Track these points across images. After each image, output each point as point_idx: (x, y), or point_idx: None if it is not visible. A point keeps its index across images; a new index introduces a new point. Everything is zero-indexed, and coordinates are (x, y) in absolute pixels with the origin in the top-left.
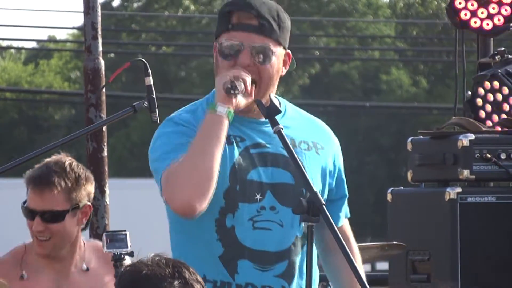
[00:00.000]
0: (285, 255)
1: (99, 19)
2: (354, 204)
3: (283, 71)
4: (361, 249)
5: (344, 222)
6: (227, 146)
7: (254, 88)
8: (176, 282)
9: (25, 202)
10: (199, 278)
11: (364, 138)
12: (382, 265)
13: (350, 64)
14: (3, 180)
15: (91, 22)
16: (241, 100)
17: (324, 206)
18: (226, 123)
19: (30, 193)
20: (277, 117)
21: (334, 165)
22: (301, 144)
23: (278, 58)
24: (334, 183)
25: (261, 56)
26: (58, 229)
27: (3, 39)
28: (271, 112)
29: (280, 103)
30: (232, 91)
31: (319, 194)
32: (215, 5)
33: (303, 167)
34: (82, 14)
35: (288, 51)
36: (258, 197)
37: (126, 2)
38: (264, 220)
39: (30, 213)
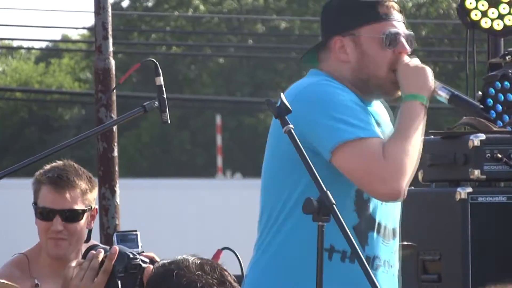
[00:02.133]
0: (396, 233)
1: (110, 19)
2: None
3: None
4: None
5: None
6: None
7: None
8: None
9: (35, 203)
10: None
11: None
12: None
13: None
14: (14, 180)
15: (101, 22)
16: None
17: (334, 206)
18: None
19: (47, 193)
20: None
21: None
22: None
23: None
24: None
25: (411, 45)
26: (76, 229)
27: (13, 39)
28: (282, 111)
29: None
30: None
31: (329, 194)
32: (225, 5)
33: (312, 166)
34: (93, 14)
35: None
36: None
37: (136, 3)
38: None
39: (48, 213)
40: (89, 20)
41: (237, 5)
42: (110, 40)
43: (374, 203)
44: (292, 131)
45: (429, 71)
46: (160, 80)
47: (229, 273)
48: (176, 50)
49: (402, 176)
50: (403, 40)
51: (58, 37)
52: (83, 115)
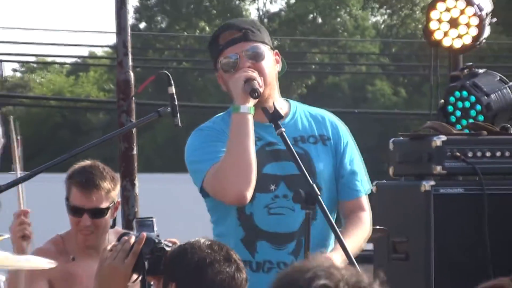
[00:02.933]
0: (295, 236)
1: (129, 38)
2: None
3: (279, 68)
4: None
5: (359, 196)
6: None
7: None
8: (233, 266)
9: (67, 199)
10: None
11: (353, 139)
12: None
13: (341, 76)
14: (49, 175)
15: (122, 41)
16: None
17: (319, 197)
18: (251, 118)
19: (77, 194)
20: (288, 117)
21: (341, 148)
22: (310, 138)
23: (269, 56)
24: (342, 161)
25: (255, 56)
26: (101, 223)
27: (48, 56)
28: (275, 117)
29: (291, 105)
30: (250, 89)
31: (315, 186)
32: None
33: (301, 163)
34: (115, 34)
35: (276, 50)
36: (273, 187)
37: (151, 24)
38: (278, 207)
39: (78, 211)
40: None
41: None
42: (130, 57)
43: (257, 215)
44: (284, 134)
45: (240, 79)
46: (172, 89)
47: (234, 252)
48: (186, 65)
49: (231, 184)
50: (239, 60)
51: (86, 54)
52: (107, 120)
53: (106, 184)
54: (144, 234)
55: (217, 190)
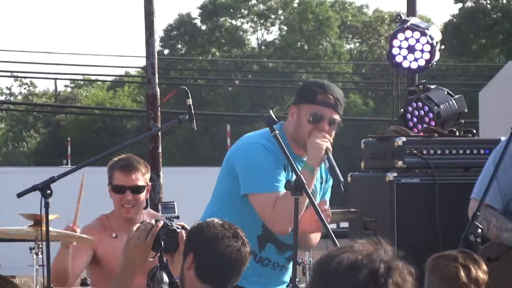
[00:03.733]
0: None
1: (156, 61)
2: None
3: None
4: (331, 213)
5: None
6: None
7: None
8: (240, 242)
9: (110, 183)
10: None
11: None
12: (344, 224)
13: None
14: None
15: (150, 63)
16: None
17: (306, 186)
18: (315, 179)
19: (119, 175)
20: None
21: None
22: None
23: None
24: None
25: (333, 125)
26: (140, 198)
27: (92, 75)
28: (270, 122)
29: None
30: (325, 159)
31: (302, 177)
32: (232, 52)
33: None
34: (145, 58)
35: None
36: None
37: (173, 51)
38: None
39: (121, 189)
40: (142, 62)
41: (240, 52)
42: (156, 76)
43: None
44: (278, 136)
45: (322, 149)
46: (189, 101)
47: (241, 230)
48: (200, 82)
49: (283, 222)
50: (323, 120)
51: (122, 73)
52: (138, 125)
53: (142, 167)
54: (162, 221)
55: (271, 218)
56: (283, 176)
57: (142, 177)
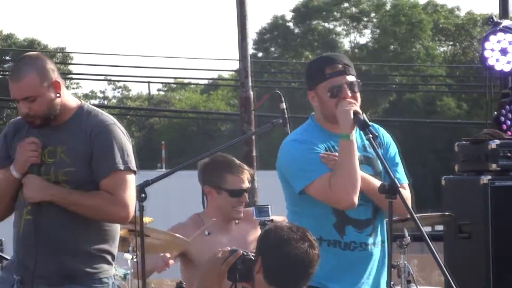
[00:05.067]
0: (371, 221)
1: (249, 64)
2: (422, 187)
3: None
4: (426, 217)
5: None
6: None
7: None
8: (306, 244)
9: (218, 187)
10: (316, 241)
11: (426, 143)
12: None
13: (416, 94)
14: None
15: (244, 67)
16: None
17: (400, 189)
18: (355, 143)
19: (233, 178)
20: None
21: (388, 151)
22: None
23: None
24: (389, 158)
25: (353, 87)
26: (247, 199)
27: (186, 78)
28: (364, 125)
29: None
30: (358, 121)
31: (396, 181)
32: (324, 54)
33: (386, 162)
34: (238, 61)
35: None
36: None
37: (268, 54)
38: (359, 199)
39: (239, 192)
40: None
41: None
42: (250, 79)
43: None
44: (371, 139)
45: (349, 113)
46: (283, 105)
47: (310, 234)
48: (294, 85)
49: (346, 196)
50: (342, 90)
51: (216, 76)
52: (232, 128)
53: (246, 168)
54: (241, 251)
55: (332, 197)
56: (313, 153)
57: (249, 177)
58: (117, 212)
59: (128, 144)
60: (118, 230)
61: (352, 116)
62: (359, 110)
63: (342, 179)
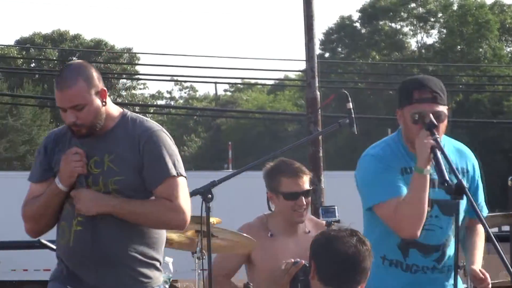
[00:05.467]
0: (440, 247)
1: (316, 65)
2: (489, 188)
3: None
4: (492, 216)
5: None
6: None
7: None
8: (354, 238)
9: (274, 190)
10: (367, 239)
11: (493, 143)
12: (505, 228)
13: (483, 94)
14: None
15: (310, 67)
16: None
17: (467, 189)
18: (428, 178)
19: (288, 182)
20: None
21: (474, 178)
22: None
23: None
24: (472, 188)
25: (439, 117)
26: (309, 201)
27: (252, 78)
28: (431, 126)
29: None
30: (436, 158)
31: (463, 181)
32: (393, 55)
33: (453, 164)
34: (305, 62)
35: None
36: (429, 209)
37: (334, 54)
38: (429, 224)
39: (295, 194)
40: (302, 65)
41: (400, 55)
42: (316, 79)
43: None
44: (437, 140)
45: (427, 148)
46: (350, 105)
47: (359, 232)
48: (360, 85)
49: (408, 226)
50: (426, 118)
51: (282, 77)
52: (299, 128)
53: (306, 170)
54: (303, 262)
55: (395, 224)
56: (400, 179)
57: (309, 180)
58: (175, 219)
59: (176, 150)
60: (165, 236)
61: (429, 150)
62: (439, 148)
63: (408, 210)
